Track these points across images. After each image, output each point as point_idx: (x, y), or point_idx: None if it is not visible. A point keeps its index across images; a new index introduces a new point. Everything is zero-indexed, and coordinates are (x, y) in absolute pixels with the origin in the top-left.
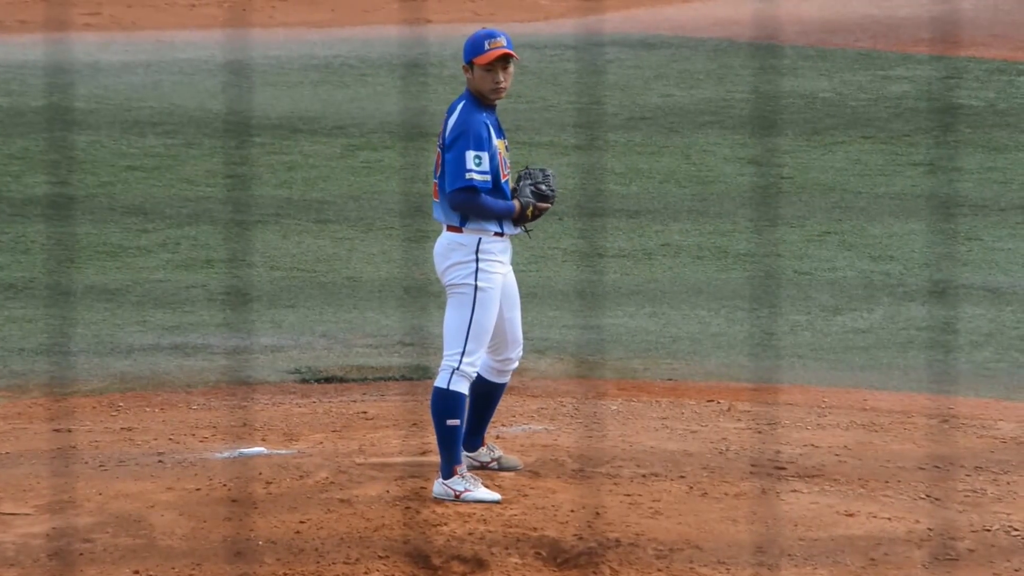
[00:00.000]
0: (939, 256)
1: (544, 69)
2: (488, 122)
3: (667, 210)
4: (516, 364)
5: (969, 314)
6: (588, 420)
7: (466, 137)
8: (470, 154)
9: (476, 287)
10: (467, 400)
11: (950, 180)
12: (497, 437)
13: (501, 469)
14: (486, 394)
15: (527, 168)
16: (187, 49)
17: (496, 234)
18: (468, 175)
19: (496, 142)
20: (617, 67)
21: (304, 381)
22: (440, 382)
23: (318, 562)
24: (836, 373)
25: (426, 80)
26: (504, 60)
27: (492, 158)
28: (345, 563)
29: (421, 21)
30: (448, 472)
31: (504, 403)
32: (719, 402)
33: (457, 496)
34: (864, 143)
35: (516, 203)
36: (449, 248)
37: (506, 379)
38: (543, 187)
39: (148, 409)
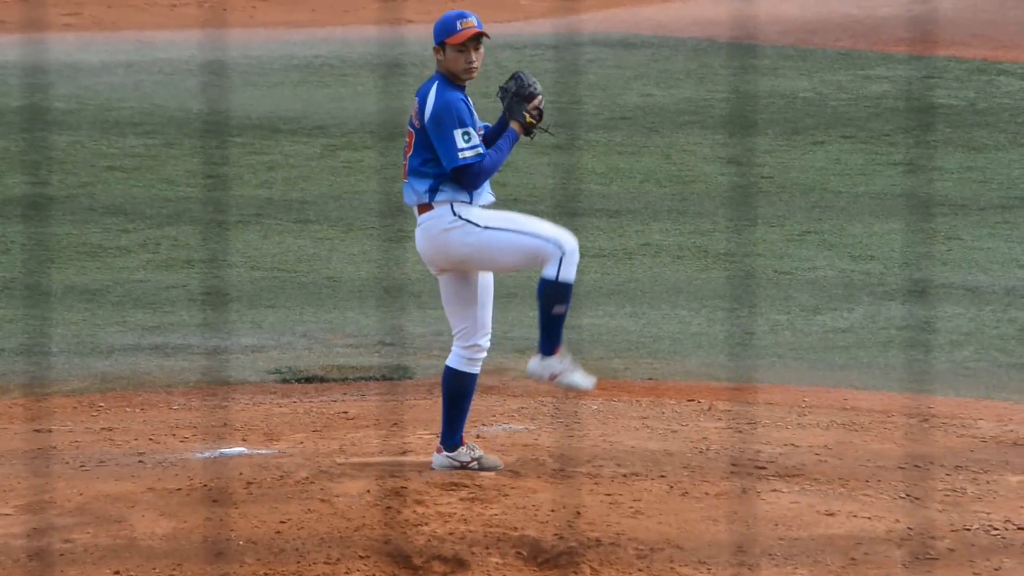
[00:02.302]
0: (919, 255)
1: (524, 69)
2: (464, 99)
3: (647, 210)
4: (484, 353)
5: (949, 313)
6: (568, 420)
7: (449, 117)
8: (457, 133)
9: (483, 228)
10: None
11: (930, 180)
12: (478, 436)
13: (481, 469)
14: (459, 387)
15: (500, 89)
16: (167, 49)
17: (463, 202)
18: (461, 155)
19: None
20: (597, 67)
21: (284, 381)
22: (548, 272)
23: (298, 562)
24: (816, 372)
25: (406, 80)
26: (476, 40)
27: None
28: (326, 563)
29: (401, 21)
30: (549, 351)
31: (484, 402)
32: (699, 401)
33: (550, 379)
34: (844, 143)
35: (512, 124)
36: (430, 230)
37: (476, 369)
38: (524, 90)
39: (128, 409)
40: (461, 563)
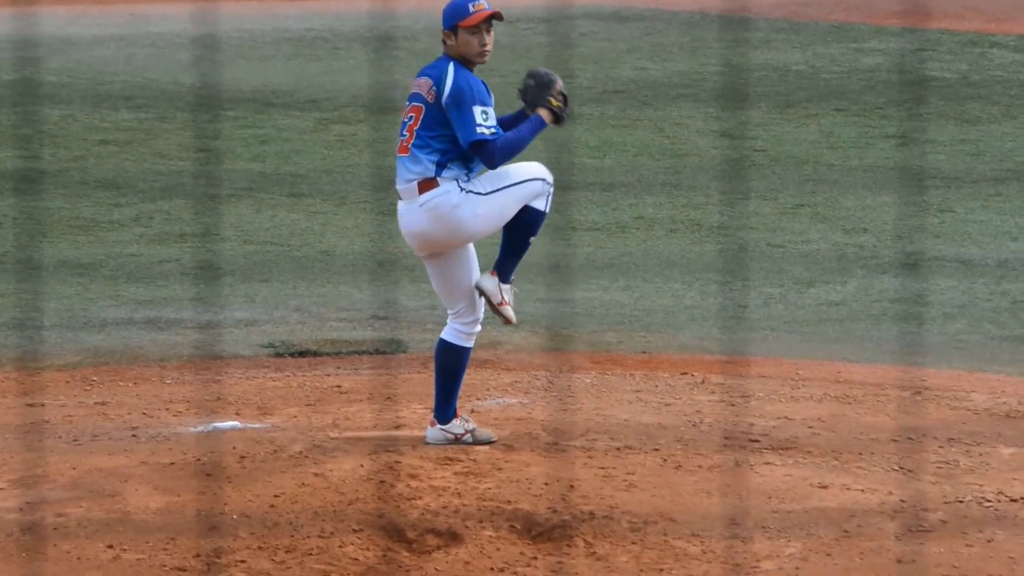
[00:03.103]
0: (912, 228)
1: (516, 43)
2: (483, 82)
3: (640, 183)
4: (479, 328)
5: (942, 286)
6: (562, 393)
7: (470, 93)
8: (477, 109)
9: (486, 194)
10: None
11: (923, 152)
12: (472, 411)
13: (475, 442)
14: (454, 361)
15: (519, 91)
16: (160, 22)
17: (465, 179)
18: (479, 130)
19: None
20: (589, 40)
21: (278, 355)
22: (538, 205)
23: (292, 536)
24: (809, 345)
25: (398, 54)
26: (488, 21)
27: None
28: (319, 537)
29: None
30: (507, 277)
31: (478, 376)
32: (693, 375)
33: (496, 305)
34: (837, 116)
35: (541, 111)
36: (439, 208)
37: (471, 344)
38: (543, 79)
39: (121, 383)
40: (455, 537)
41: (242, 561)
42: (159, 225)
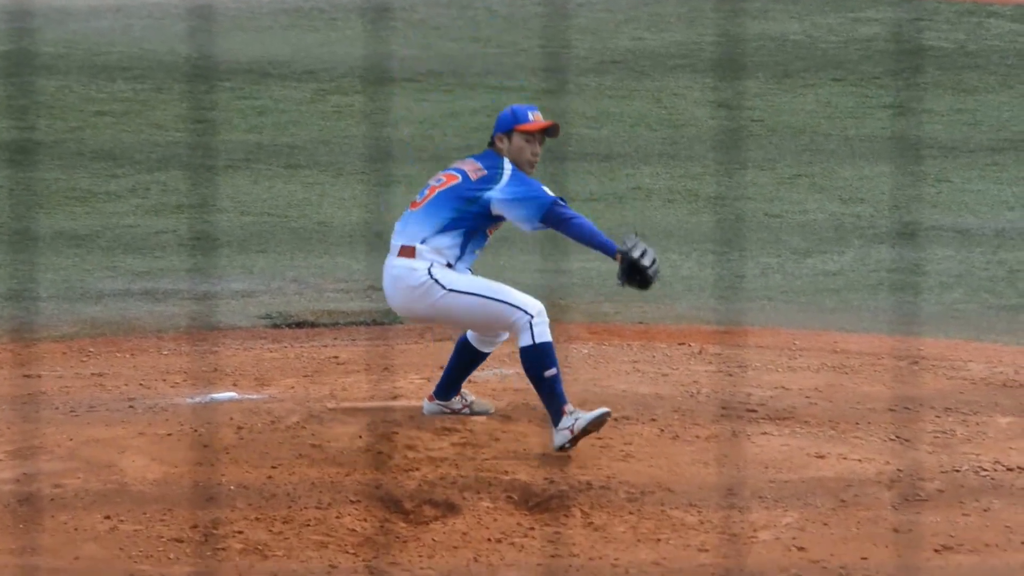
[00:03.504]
0: (909, 198)
1: (514, 13)
2: None
3: (637, 154)
4: (505, 336)
5: (939, 256)
6: (559, 364)
7: (533, 181)
8: (543, 187)
9: (447, 291)
10: (551, 348)
11: (920, 122)
12: (469, 381)
13: (473, 413)
14: (469, 359)
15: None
16: None
17: (442, 265)
18: (551, 194)
19: None
20: (587, 11)
21: (275, 326)
22: (524, 341)
23: (290, 507)
24: (806, 315)
25: (396, 24)
26: (543, 133)
27: None
28: (317, 508)
29: None
30: (558, 416)
31: None
32: (690, 345)
33: (572, 433)
34: (834, 85)
35: (617, 256)
36: (399, 282)
37: (491, 349)
38: (640, 264)
39: (118, 355)
40: (452, 507)
41: (239, 532)
42: (156, 196)
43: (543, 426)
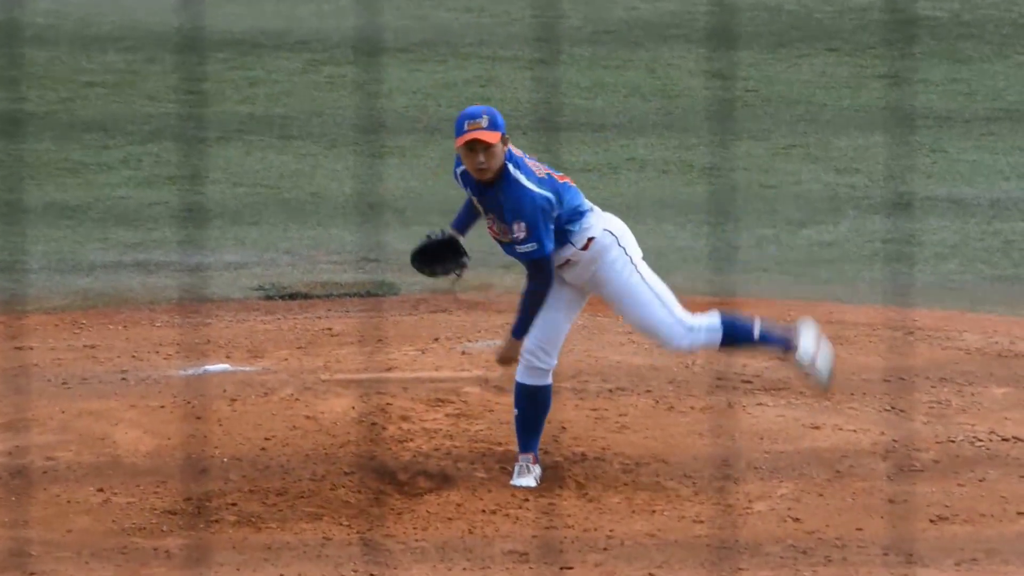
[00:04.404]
0: (904, 168)
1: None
2: (470, 195)
3: (632, 124)
4: (711, 316)
5: (934, 226)
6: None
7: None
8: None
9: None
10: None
11: (915, 92)
12: (463, 352)
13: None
14: (741, 334)
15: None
16: None
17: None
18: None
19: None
20: None
21: (268, 298)
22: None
23: (284, 479)
24: (801, 286)
25: None
26: (475, 142)
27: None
28: (311, 480)
29: None
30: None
31: (470, 318)
32: None
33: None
34: (829, 56)
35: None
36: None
37: (718, 337)
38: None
39: (111, 327)
40: (446, 478)
41: (233, 504)
42: (148, 168)
43: None
